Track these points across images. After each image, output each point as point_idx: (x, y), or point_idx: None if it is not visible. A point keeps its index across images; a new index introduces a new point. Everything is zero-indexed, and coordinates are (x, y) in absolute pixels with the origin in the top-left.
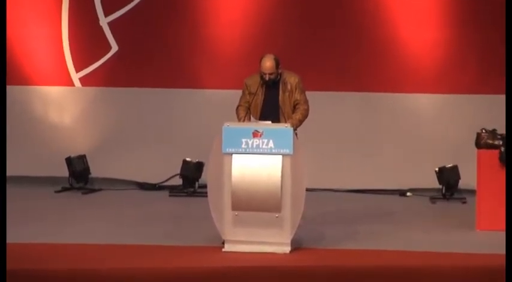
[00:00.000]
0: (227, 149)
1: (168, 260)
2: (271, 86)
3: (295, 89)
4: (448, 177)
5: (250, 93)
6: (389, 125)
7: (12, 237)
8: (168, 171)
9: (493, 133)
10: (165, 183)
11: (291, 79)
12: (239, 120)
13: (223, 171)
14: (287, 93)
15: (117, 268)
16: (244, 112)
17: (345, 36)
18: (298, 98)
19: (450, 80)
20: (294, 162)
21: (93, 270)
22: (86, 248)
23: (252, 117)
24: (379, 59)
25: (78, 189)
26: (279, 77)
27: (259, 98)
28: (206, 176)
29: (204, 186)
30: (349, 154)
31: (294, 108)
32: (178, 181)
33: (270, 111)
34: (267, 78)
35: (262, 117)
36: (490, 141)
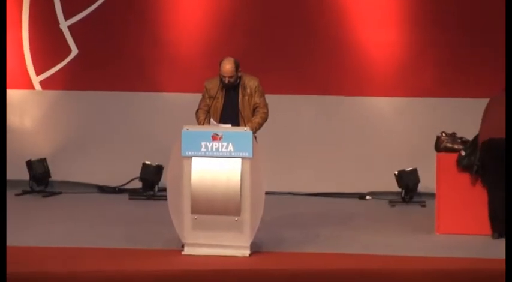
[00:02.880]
0: (187, 152)
1: (127, 263)
2: (231, 89)
3: (255, 92)
4: (408, 180)
5: (210, 97)
6: (348, 128)
7: None
8: (128, 174)
9: (452, 136)
10: (125, 187)
11: (251, 82)
12: (199, 123)
13: (182, 175)
14: (246, 97)
15: (77, 271)
16: (204, 115)
17: (304, 40)
18: (258, 102)
19: (409, 83)
20: (253, 166)
21: (52, 273)
22: (46, 251)
23: (211, 120)
24: (339, 62)
25: (39, 192)
26: (238, 80)
27: (219, 102)
28: (166, 179)
29: (164, 189)
30: (309, 157)
31: (254, 111)
32: (138, 184)
33: (230, 115)
34: (226, 82)
35: (222, 120)
36: (450, 145)
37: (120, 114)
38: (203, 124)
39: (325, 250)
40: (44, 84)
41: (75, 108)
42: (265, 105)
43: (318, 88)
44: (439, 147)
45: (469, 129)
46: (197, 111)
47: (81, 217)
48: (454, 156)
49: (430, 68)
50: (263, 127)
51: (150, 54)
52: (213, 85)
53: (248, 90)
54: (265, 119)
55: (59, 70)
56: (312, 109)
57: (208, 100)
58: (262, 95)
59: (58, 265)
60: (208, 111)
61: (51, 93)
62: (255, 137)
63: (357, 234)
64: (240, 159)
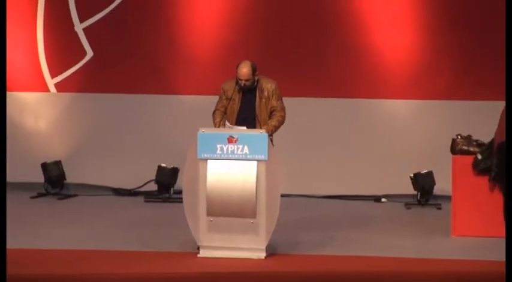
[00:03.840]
0: (202, 155)
1: (143, 265)
2: (248, 92)
3: (272, 95)
4: (423, 183)
5: (226, 98)
6: (364, 130)
7: None
8: (143, 177)
9: (468, 139)
10: (140, 189)
11: (268, 85)
12: (215, 125)
13: (198, 177)
14: (264, 100)
15: (92, 274)
16: (220, 117)
17: (320, 42)
18: (275, 105)
19: (425, 85)
20: (269, 168)
21: (67, 275)
22: (61, 253)
23: (226, 122)
24: (355, 65)
25: (54, 195)
26: (255, 83)
27: (236, 104)
28: (181, 182)
29: (179, 192)
30: (324, 160)
31: (270, 114)
32: (153, 187)
33: (247, 117)
34: (243, 85)
35: (239, 122)
36: (465, 147)
37: (135, 117)
38: (219, 126)
39: (340, 252)
40: (59, 86)
41: (90, 110)
42: (283, 109)
43: (333, 91)
44: (454, 149)
45: (485, 132)
46: (214, 112)
47: (96, 220)
48: (469, 158)
49: (446, 70)
50: (279, 129)
51: (166, 56)
52: (230, 87)
53: (265, 93)
54: (281, 122)
55: (74, 72)
56: (328, 112)
57: (225, 101)
58: (279, 98)
59: (73, 267)
60: (224, 113)
61: (66, 95)
62: (271, 140)
63: (373, 237)
64: (255, 162)
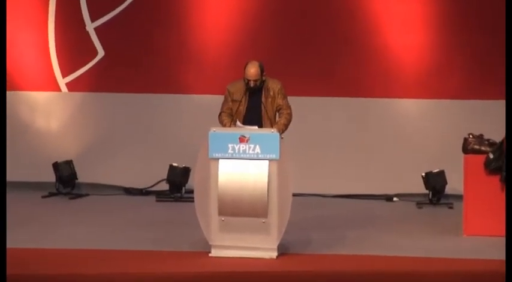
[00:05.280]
0: (214, 154)
1: (154, 265)
2: (254, 92)
3: (278, 94)
4: (435, 182)
5: (233, 100)
6: (375, 130)
7: None
8: (155, 176)
9: (480, 138)
10: (152, 189)
11: (274, 85)
12: (224, 126)
13: (209, 177)
14: (270, 99)
15: (104, 273)
16: (228, 119)
17: (330, 42)
18: (281, 103)
19: (437, 85)
20: (280, 168)
21: (80, 275)
22: (73, 253)
23: (237, 122)
24: (365, 64)
25: (65, 194)
26: (262, 84)
27: (242, 105)
28: (193, 181)
29: (191, 191)
30: (336, 159)
31: (276, 113)
32: (165, 186)
33: (253, 118)
34: (251, 85)
35: (245, 123)
36: (477, 147)
37: (146, 116)
38: (230, 126)
39: (352, 252)
40: (71, 86)
41: (102, 110)
42: (289, 107)
43: (345, 90)
44: (466, 149)
45: (497, 131)
46: (220, 114)
47: (107, 219)
48: (481, 158)
49: (457, 70)
50: (291, 129)
51: (177, 55)
52: (236, 88)
53: (271, 93)
54: (289, 120)
55: (85, 72)
56: (339, 111)
57: (231, 103)
58: (285, 97)
59: (85, 267)
60: (231, 115)
61: (78, 95)
62: (282, 138)
63: (384, 236)
64: (267, 161)
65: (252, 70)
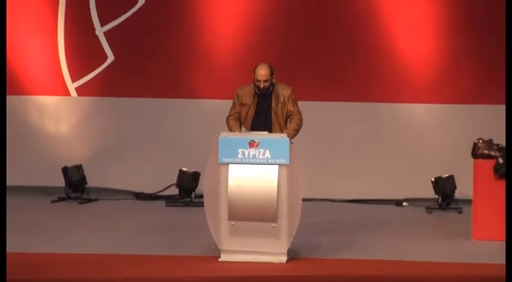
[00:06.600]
0: (223, 159)
1: (164, 269)
2: (263, 97)
3: (288, 100)
4: (444, 187)
5: (241, 104)
6: (385, 134)
7: (9, 247)
8: (165, 181)
9: (489, 143)
10: (162, 193)
11: (284, 91)
12: (230, 131)
13: (219, 181)
14: (280, 105)
15: (114, 278)
16: (236, 123)
17: (340, 46)
18: (291, 109)
19: (446, 90)
20: (290, 172)
21: (89, 279)
22: (83, 257)
23: (243, 128)
24: (375, 69)
25: (75, 199)
26: (272, 87)
27: (251, 109)
28: (202, 186)
29: (201, 196)
30: (345, 164)
31: (287, 119)
32: (174, 191)
33: (262, 122)
34: (261, 86)
35: (254, 128)
36: (487, 152)
37: (156, 121)
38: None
39: (362, 256)
40: (80, 90)
41: (111, 114)
42: (299, 112)
43: (354, 95)
44: (475, 153)
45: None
46: (227, 118)
47: (117, 224)
48: (490, 162)
49: (467, 74)
50: (301, 133)
51: (186, 60)
52: (245, 92)
53: (281, 98)
54: (300, 125)
55: (94, 76)
56: (349, 116)
57: (239, 107)
58: (295, 103)
59: (94, 272)
60: (239, 119)
61: (87, 99)
62: (291, 143)
63: (394, 241)
64: (277, 166)
65: (262, 71)
